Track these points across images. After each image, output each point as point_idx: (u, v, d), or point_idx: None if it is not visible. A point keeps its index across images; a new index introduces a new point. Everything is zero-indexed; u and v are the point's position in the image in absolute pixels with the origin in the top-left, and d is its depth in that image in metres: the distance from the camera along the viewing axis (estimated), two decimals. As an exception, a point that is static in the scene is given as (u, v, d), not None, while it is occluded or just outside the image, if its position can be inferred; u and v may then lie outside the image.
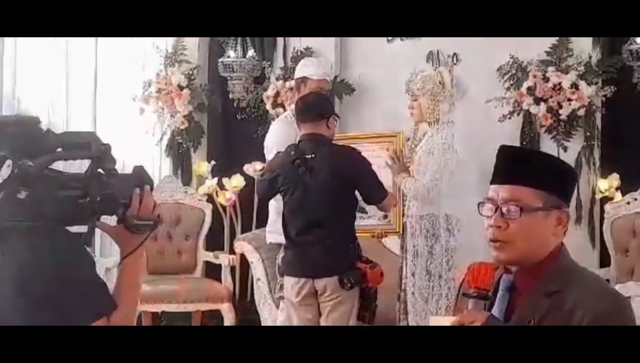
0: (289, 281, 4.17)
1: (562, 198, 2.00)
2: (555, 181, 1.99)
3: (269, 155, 4.56)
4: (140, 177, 1.99)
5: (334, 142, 4.26)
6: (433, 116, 4.30)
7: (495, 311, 2.00)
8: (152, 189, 2.01)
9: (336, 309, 4.07)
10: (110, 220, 1.98)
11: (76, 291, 1.89)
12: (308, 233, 4.09)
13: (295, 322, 4.19)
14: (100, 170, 1.92)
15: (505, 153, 2.07)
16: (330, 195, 4.05)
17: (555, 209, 1.97)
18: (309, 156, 4.06)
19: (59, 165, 1.93)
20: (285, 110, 5.59)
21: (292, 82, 5.20)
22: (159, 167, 6.43)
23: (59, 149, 1.93)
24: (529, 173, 1.99)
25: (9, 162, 1.81)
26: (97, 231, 1.97)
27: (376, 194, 4.18)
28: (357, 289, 4.08)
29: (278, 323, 4.60)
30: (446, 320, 2.05)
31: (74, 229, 1.94)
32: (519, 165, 2.02)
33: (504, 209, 1.96)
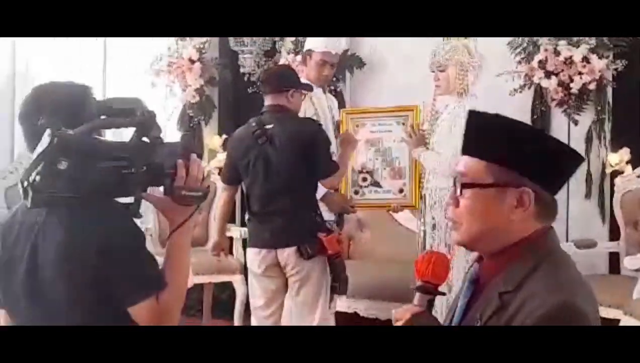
0: (251, 252, 4.13)
1: (525, 175, 1.67)
2: (516, 153, 1.67)
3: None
4: (186, 145, 1.88)
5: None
6: (462, 87, 4.27)
7: (459, 305, 1.82)
8: (200, 157, 1.89)
9: (304, 286, 4.07)
10: (157, 191, 1.88)
11: (122, 268, 1.80)
12: (269, 204, 4.05)
13: (258, 294, 4.18)
14: (145, 139, 1.80)
15: (469, 118, 1.78)
16: (289, 165, 4.01)
17: (513, 188, 1.67)
18: (268, 127, 4.03)
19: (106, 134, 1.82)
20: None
21: (303, 56, 5.21)
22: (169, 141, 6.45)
23: (103, 117, 1.84)
24: (482, 142, 1.71)
25: (49, 131, 1.68)
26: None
27: (325, 167, 4.09)
28: (321, 262, 4.07)
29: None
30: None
31: (122, 201, 1.84)
32: (475, 133, 1.75)
33: (457, 185, 1.75)
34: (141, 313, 1.84)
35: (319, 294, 4.09)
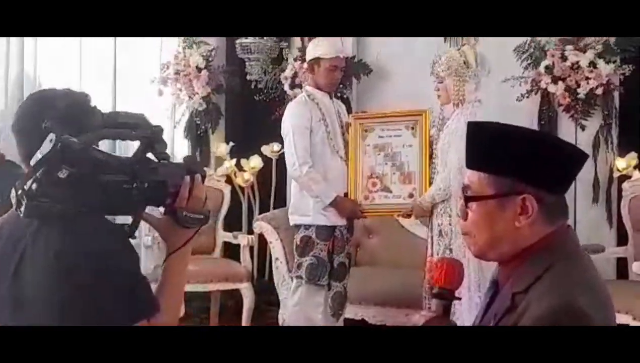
0: None
1: (525, 181, 1.67)
2: (512, 161, 1.67)
3: (286, 138, 4.55)
4: (190, 166, 1.79)
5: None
6: (458, 97, 4.29)
7: (481, 305, 1.87)
8: (203, 180, 1.80)
9: None
10: (154, 211, 1.78)
11: (116, 289, 1.67)
12: None
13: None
14: (149, 155, 1.72)
15: (468, 130, 1.77)
16: None
17: (515, 196, 1.67)
18: None
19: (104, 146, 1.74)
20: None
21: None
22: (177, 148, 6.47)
23: (105, 129, 1.74)
24: (480, 154, 1.72)
25: (51, 136, 1.58)
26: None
27: None
28: None
29: (291, 303, 4.59)
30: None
31: (117, 219, 1.75)
32: (473, 145, 1.75)
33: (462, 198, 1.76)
34: None
35: None
